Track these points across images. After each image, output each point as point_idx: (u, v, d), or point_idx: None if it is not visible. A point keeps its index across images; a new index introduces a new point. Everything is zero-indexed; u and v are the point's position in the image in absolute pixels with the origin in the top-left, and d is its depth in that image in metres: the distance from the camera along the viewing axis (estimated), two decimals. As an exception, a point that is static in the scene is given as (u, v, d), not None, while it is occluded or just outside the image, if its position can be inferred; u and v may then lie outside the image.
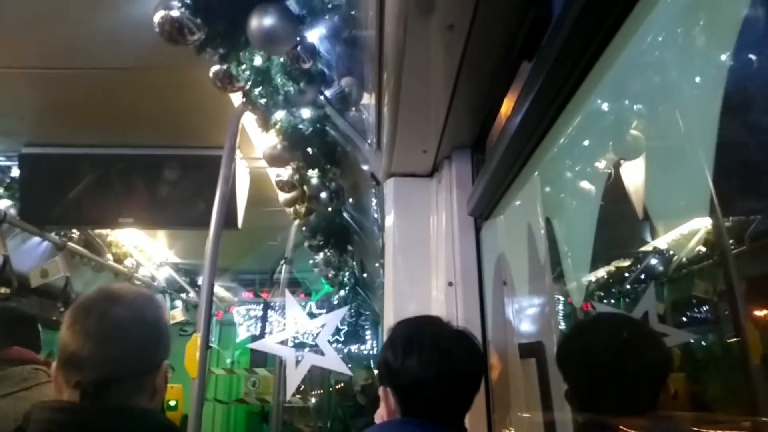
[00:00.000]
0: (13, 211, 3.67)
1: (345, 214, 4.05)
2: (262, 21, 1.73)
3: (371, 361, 8.39)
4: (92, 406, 1.19)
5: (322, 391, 8.55)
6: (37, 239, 4.06)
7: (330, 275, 5.96)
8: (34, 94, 2.99)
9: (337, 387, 8.89)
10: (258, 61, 2.04)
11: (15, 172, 3.70)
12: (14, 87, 2.89)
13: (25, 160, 3.47)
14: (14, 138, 3.43)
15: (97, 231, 4.81)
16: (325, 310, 6.69)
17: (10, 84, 2.86)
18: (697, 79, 0.89)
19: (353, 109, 2.50)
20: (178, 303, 6.72)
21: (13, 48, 2.57)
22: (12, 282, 3.66)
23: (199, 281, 6.75)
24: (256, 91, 2.16)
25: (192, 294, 6.60)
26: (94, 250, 4.80)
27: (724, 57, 0.78)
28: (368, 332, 8.80)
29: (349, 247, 4.86)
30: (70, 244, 4.28)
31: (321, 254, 5.09)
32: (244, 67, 2.03)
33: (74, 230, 4.45)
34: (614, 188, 1.21)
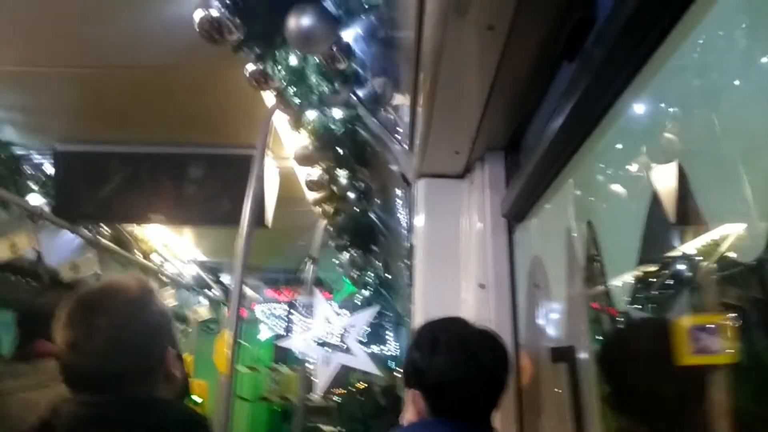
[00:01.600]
0: (46, 208, 3.72)
1: (372, 215, 4.05)
2: (300, 21, 1.74)
3: (392, 363, 8.38)
4: (118, 399, 1.20)
5: (343, 391, 8.55)
6: (67, 234, 4.11)
7: (354, 275, 5.97)
8: (69, 92, 3.04)
9: (358, 387, 8.89)
10: (293, 60, 2.05)
11: (49, 169, 3.75)
12: (50, 85, 2.94)
13: (59, 157, 3.53)
14: (49, 135, 3.49)
15: (127, 228, 4.87)
16: (346, 310, 6.69)
17: (45, 82, 2.90)
18: (752, 83, 0.87)
19: (383, 109, 2.50)
20: (203, 300, 6.78)
21: (48, 47, 2.61)
22: (43, 277, 3.72)
23: (223, 279, 6.80)
24: (291, 90, 2.17)
25: (217, 291, 6.65)
26: (123, 246, 4.86)
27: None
28: (390, 334, 8.79)
29: (375, 248, 4.87)
30: (103, 240, 4.34)
31: (346, 254, 5.10)
32: (279, 66, 2.05)
33: (104, 226, 4.51)
34: (660, 193, 1.19)
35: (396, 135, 2.54)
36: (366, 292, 6.65)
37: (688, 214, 1.03)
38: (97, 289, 1.32)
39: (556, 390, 1.85)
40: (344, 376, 8.21)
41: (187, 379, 1.49)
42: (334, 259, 5.61)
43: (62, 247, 4.21)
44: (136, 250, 5.15)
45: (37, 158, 3.78)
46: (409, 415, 1.52)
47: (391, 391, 7.11)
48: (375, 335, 8.47)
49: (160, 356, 1.27)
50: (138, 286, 1.31)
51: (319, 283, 7.31)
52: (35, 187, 3.78)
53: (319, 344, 3.24)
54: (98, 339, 1.19)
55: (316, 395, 4.43)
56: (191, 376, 4.20)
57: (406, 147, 2.35)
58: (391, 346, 8.72)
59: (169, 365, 1.28)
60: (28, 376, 2.18)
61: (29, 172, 3.78)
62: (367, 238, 4.45)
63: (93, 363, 1.19)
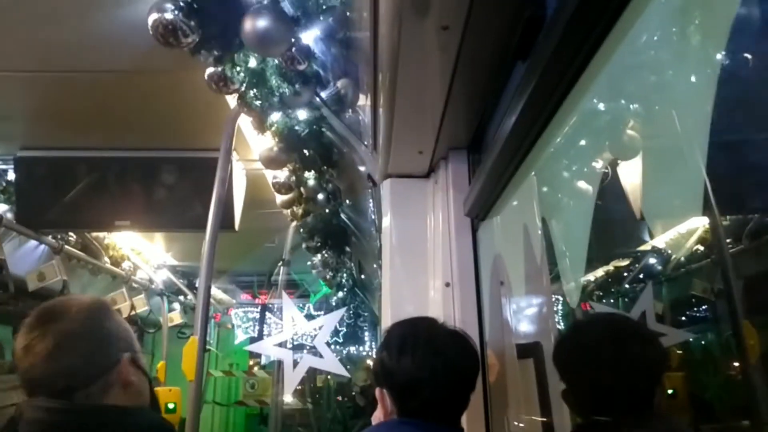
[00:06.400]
0: (9, 215, 3.66)
1: (342, 216, 4.04)
2: (256, 23, 1.72)
3: (370, 363, 8.39)
4: (81, 406, 1.21)
5: (320, 393, 8.54)
6: (33, 243, 4.05)
7: (328, 276, 5.96)
8: (30, 97, 2.99)
9: (336, 388, 8.89)
10: (253, 62, 2.04)
11: (11, 176, 3.68)
12: (9, 90, 2.89)
13: (21, 164, 3.47)
14: (10, 141, 3.43)
15: (94, 234, 4.80)
16: (323, 312, 6.68)
17: (5, 87, 2.85)
18: (691, 78, 0.89)
19: (349, 110, 2.50)
20: (176, 306, 6.71)
21: (7, 50, 2.56)
22: (9, 286, 3.66)
23: (197, 283, 6.74)
24: (252, 92, 2.15)
25: (190, 296, 6.59)
26: (91, 254, 4.79)
27: (717, 56, 0.78)
28: (367, 333, 8.79)
29: (347, 248, 4.86)
30: (67, 247, 4.27)
31: (319, 256, 5.08)
32: (238, 69, 2.03)
33: (71, 233, 4.44)
34: (610, 188, 1.21)
35: (362, 136, 2.54)
36: (341, 293, 6.64)
37: (636, 210, 1.04)
38: (56, 301, 1.36)
39: (523, 386, 1.87)
40: (323, 378, 8.20)
41: (139, 388, 1.48)
42: (308, 262, 5.60)
43: (29, 256, 4.14)
44: (105, 258, 5.09)
45: (-1, 165, 3.72)
46: (378, 414, 1.52)
47: (369, 392, 7.11)
48: (352, 335, 8.47)
49: (109, 363, 1.27)
50: (93, 300, 1.35)
51: (295, 285, 7.29)
52: (-2, 195, 3.72)
53: (292, 347, 3.22)
54: (45, 344, 1.21)
55: (284, 398, 4.41)
56: (162, 383, 4.14)
57: (371, 148, 2.35)
58: (368, 346, 8.72)
59: (124, 372, 1.28)
60: None
61: (-9, 179, 3.72)
62: (339, 239, 4.44)
63: (38, 367, 1.21)
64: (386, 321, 2.12)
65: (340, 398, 8.98)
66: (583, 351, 1.36)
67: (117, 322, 1.35)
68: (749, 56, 0.85)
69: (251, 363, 8.54)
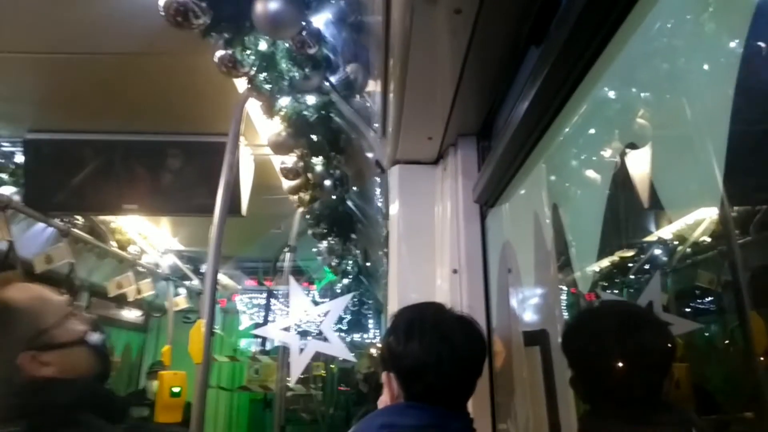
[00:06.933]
0: (17, 198, 3.67)
1: (349, 202, 4.04)
2: (267, 5, 1.72)
3: (373, 350, 8.43)
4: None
5: (316, 384, 8.57)
6: (41, 225, 4.06)
7: (333, 263, 5.97)
8: (39, 79, 2.99)
9: (339, 376, 8.93)
10: (263, 45, 2.03)
11: (19, 158, 3.69)
12: (18, 72, 2.89)
13: (30, 146, 3.47)
14: (18, 123, 3.43)
15: (101, 218, 4.82)
16: (327, 299, 6.69)
17: (14, 69, 2.85)
18: (708, 67, 0.88)
19: (358, 95, 2.49)
20: (182, 290, 6.74)
21: (17, 32, 2.56)
22: (16, 268, 3.67)
23: (203, 269, 6.76)
24: (261, 76, 2.15)
25: (195, 281, 6.61)
26: (98, 237, 4.81)
27: (736, 42, 0.77)
28: (371, 321, 8.82)
29: (353, 236, 4.86)
30: (74, 230, 4.29)
31: (324, 242, 5.09)
32: (249, 52, 2.02)
33: (78, 217, 4.46)
34: (621, 177, 1.20)
35: (371, 121, 2.53)
36: (346, 281, 6.65)
37: (646, 200, 1.03)
38: None
39: (529, 373, 1.87)
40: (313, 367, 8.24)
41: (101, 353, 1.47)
42: (313, 248, 5.60)
43: (37, 239, 4.16)
44: (112, 241, 5.11)
45: (7, 147, 3.73)
46: (385, 398, 1.53)
47: (373, 379, 7.14)
48: (356, 323, 8.50)
49: (11, 372, 1.27)
50: None
51: (300, 272, 7.31)
52: (5, 177, 3.73)
53: (297, 333, 3.24)
54: None
55: (290, 383, 4.44)
56: (168, 367, 4.17)
57: (380, 133, 2.34)
58: (372, 334, 8.75)
59: (30, 373, 1.28)
60: None
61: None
62: (345, 225, 4.44)
63: None
64: (392, 307, 2.12)
65: (342, 387, 9.04)
66: (594, 338, 1.36)
67: (16, 320, 1.32)
68: (769, 42, 0.84)
69: (253, 351, 8.56)
